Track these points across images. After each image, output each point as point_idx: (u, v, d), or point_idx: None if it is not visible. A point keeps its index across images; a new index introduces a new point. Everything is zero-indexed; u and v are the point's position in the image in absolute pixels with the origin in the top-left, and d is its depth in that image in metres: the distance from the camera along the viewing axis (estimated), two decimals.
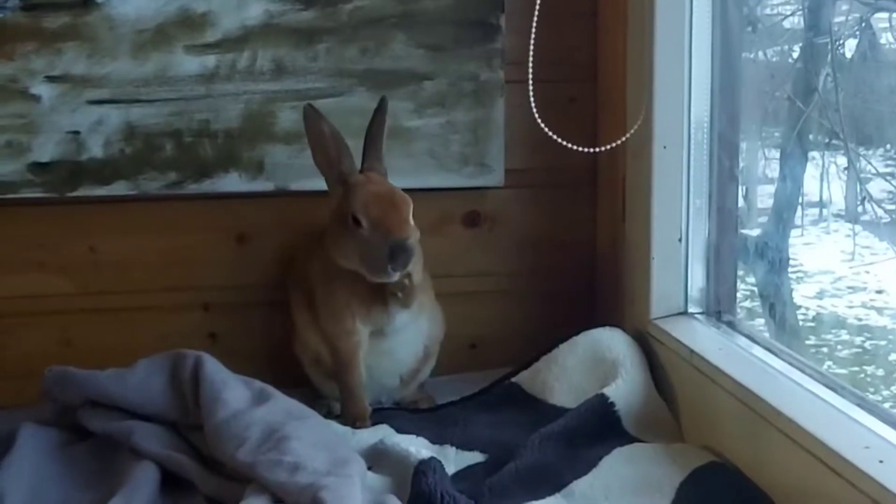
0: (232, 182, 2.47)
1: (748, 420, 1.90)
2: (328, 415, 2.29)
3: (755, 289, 2.45)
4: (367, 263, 2.14)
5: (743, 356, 2.08)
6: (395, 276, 2.14)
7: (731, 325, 2.24)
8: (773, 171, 2.45)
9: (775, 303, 2.29)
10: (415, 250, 2.13)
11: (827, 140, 2.45)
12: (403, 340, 2.33)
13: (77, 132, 2.41)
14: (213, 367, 2.09)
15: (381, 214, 2.12)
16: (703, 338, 2.19)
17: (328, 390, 2.38)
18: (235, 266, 2.53)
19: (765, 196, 2.40)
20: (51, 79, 2.39)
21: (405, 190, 2.22)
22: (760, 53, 2.48)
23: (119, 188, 2.44)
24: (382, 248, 2.10)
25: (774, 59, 2.41)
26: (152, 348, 2.20)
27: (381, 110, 2.26)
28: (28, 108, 2.38)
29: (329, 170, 2.22)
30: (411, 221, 2.13)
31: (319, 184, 2.27)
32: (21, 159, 2.40)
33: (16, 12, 2.36)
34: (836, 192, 2.59)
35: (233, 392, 2.05)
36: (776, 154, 2.43)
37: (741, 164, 2.31)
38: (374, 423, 2.23)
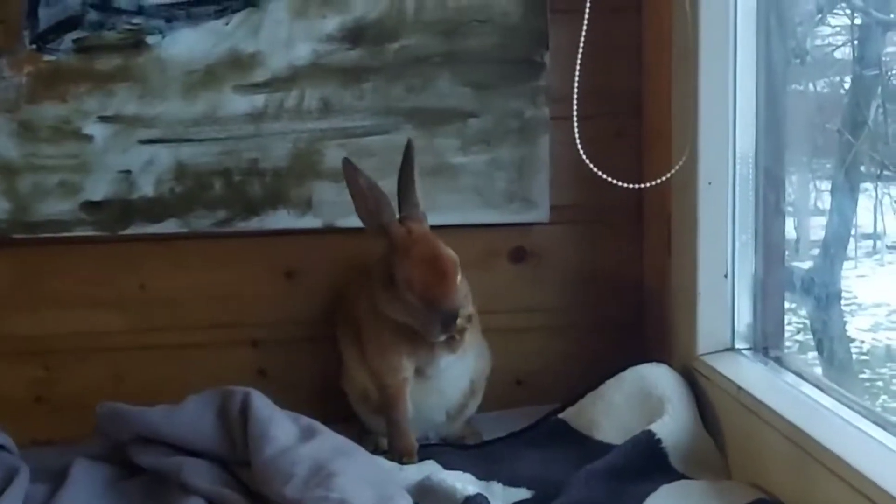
0: (280, 219, 2.49)
1: (796, 457, 1.87)
2: (375, 450, 2.29)
3: (807, 322, 2.42)
4: (419, 327, 2.16)
5: (790, 393, 2.06)
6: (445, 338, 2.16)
7: (778, 360, 2.22)
8: (825, 203, 2.42)
9: (823, 338, 2.26)
10: (464, 310, 2.13)
11: (879, 172, 2.42)
12: (450, 377, 2.32)
13: (128, 171, 2.44)
14: (261, 404, 2.09)
15: (428, 287, 2.12)
16: (749, 374, 2.17)
17: (375, 426, 2.38)
18: (284, 302, 2.54)
19: (817, 228, 2.37)
20: (103, 119, 2.42)
21: (448, 227, 2.23)
22: (810, 85, 2.46)
23: (169, 226, 2.46)
24: (432, 317, 2.12)
25: (825, 91, 2.39)
26: (202, 385, 2.20)
27: (408, 155, 2.26)
28: (81, 148, 2.41)
29: (370, 221, 2.22)
30: (458, 283, 2.12)
31: None
32: (74, 198, 2.43)
33: (69, 54, 2.40)
34: (891, 224, 2.56)
35: (280, 428, 2.05)
36: (827, 186, 2.40)
37: (790, 197, 2.30)
38: (421, 459, 2.23)
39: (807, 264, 2.29)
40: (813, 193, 2.46)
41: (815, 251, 2.35)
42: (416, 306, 2.14)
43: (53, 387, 2.50)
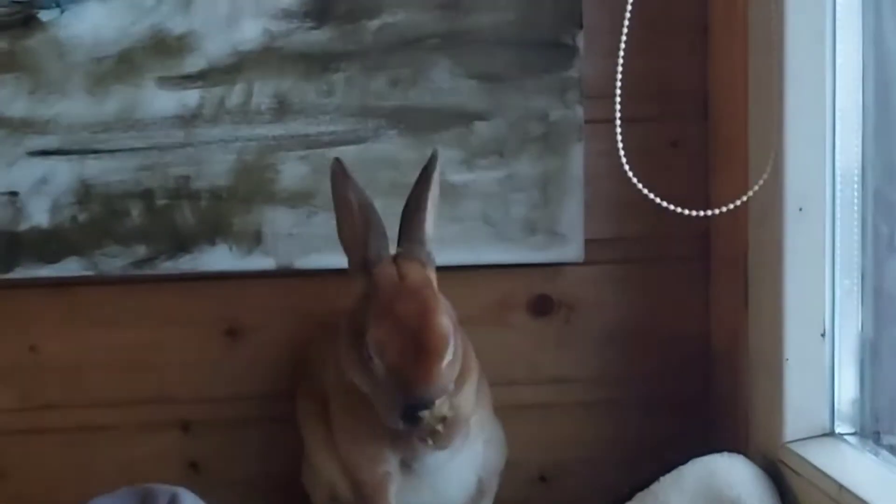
0: (220, 258, 2.50)
1: None
2: None
3: None
4: (378, 406, 2.12)
5: None
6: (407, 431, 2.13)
7: (894, 450, 2.21)
8: None
9: None
10: (443, 395, 2.07)
11: None
12: (449, 472, 2.31)
13: (14, 193, 2.45)
14: None
15: (400, 363, 2.06)
16: (856, 468, 2.17)
17: None
18: (224, 371, 2.55)
19: None
20: None
21: (448, 269, 2.21)
22: None
23: (70, 267, 2.46)
24: (396, 402, 2.07)
25: None
26: (114, 481, 2.22)
27: (427, 171, 2.21)
28: None
29: (353, 250, 2.20)
30: (445, 363, 2.07)
31: (336, 259, 2.25)
32: None
33: None
34: None
35: None
36: None
37: None
38: None
39: None
40: None
41: None
42: (380, 377, 2.10)
43: None
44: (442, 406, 2.08)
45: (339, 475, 2.33)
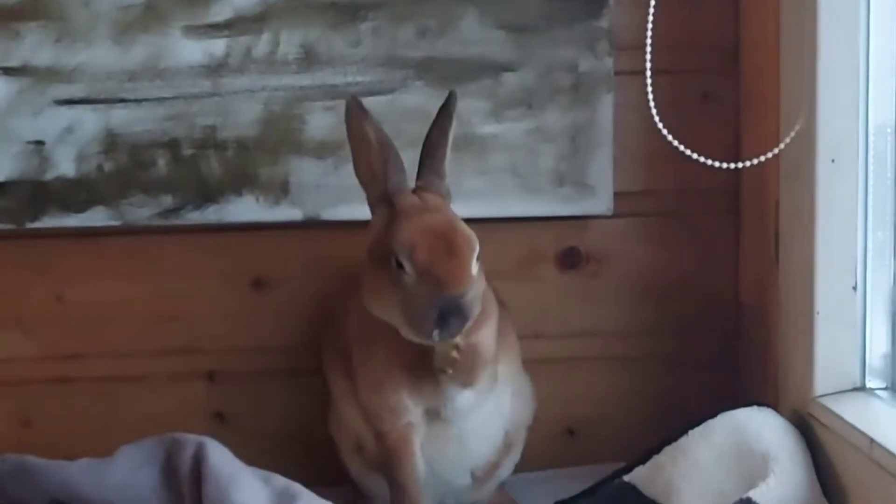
0: (246, 209, 2.51)
1: None
2: None
3: None
4: (409, 320, 2.10)
5: None
6: (440, 341, 2.11)
7: None
8: None
9: None
10: (472, 311, 2.08)
11: None
12: (476, 424, 2.30)
13: (41, 142, 2.46)
14: (221, 458, 2.09)
15: (431, 260, 2.07)
16: (888, 422, 2.14)
17: (374, 488, 2.38)
18: (250, 322, 2.56)
19: None
20: (6, 71, 2.44)
21: (476, 221, 2.19)
22: None
23: (96, 217, 2.48)
24: (429, 305, 2.06)
25: None
26: (140, 431, 2.21)
27: (447, 109, 2.23)
28: None
29: (371, 185, 2.21)
30: (473, 271, 2.09)
31: (363, 211, 2.25)
32: None
33: None
34: None
35: (248, 492, 2.04)
36: None
37: None
38: None
39: None
40: None
41: None
42: (410, 289, 2.08)
43: None
44: (466, 332, 2.09)
45: (364, 426, 2.33)
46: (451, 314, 2.05)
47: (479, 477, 2.38)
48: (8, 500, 2.17)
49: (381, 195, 2.18)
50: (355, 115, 2.19)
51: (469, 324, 2.07)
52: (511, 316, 2.36)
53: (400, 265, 2.08)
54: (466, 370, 2.17)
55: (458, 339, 2.10)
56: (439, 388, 2.21)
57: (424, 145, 2.22)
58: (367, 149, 2.19)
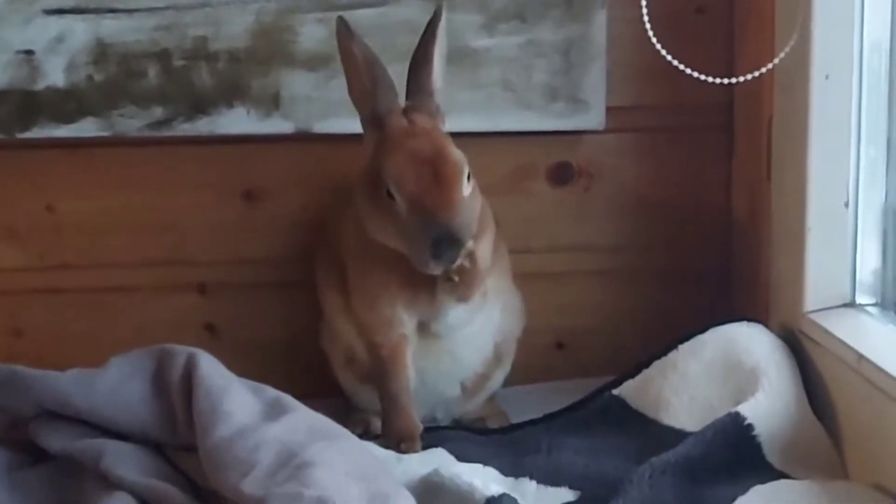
0: (237, 121, 2.49)
1: None
2: (364, 434, 2.32)
3: None
4: (407, 250, 2.14)
5: None
6: (440, 270, 2.13)
7: None
8: None
9: None
10: (466, 233, 2.10)
11: None
12: (466, 336, 2.33)
13: (30, 52, 2.44)
14: (211, 369, 2.09)
15: (419, 190, 2.10)
16: (876, 338, 2.16)
17: (365, 400, 2.40)
18: (241, 234, 2.56)
19: None
20: None
21: (467, 135, 2.22)
22: None
23: (86, 128, 2.46)
24: (423, 235, 2.08)
25: None
26: (131, 342, 2.22)
27: (431, 26, 2.23)
28: None
29: (363, 105, 2.22)
30: (464, 193, 2.10)
31: (354, 124, 2.27)
32: None
33: None
34: None
35: (237, 402, 2.05)
36: None
37: None
38: (427, 447, 2.24)
39: None
40: None
41: None
42: (402, 216, 2.11)
43: None
44: (467, 244, 2.10)
45: (356, 339, 2.35)
46: (444, 243, 2.07)
47: (469, 388, 2.39)
48: None
49: (372, 115, 2.20)
50: (343, 35, 2.21)
51: (465, 249, 2.09)
52: (502, 230, 2.36)
53: (391, 195, 2.10)
54: (463, 286, 2.19)
55: (463, 258, 2.11)
56: (434, 302, 2.23)
57: (411, 63, 2.22)
58: (355, 69, 2.20)
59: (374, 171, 2.16)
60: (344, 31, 2.20)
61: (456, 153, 2.13)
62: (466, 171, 2.11)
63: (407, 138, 2.14)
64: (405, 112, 2.19)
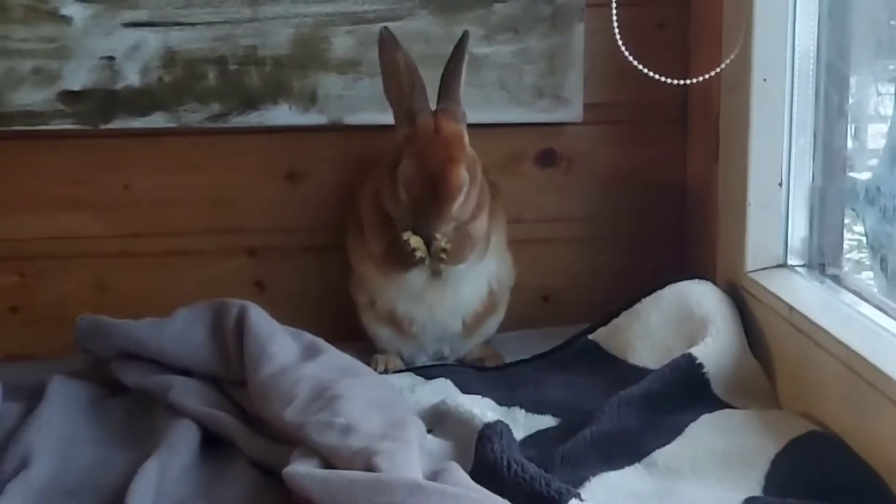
0: (281, 114, 2.48)
1: (853, 386, 1.86)
2: (385, 371, 2.31)
3: (864, 238, 2.39)
4: (399, 224, 2.20)
5: (849, 314, 2.05)
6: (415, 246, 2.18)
7: (836, 279, 2.20)
8: (887, 108, 2.39)
9: (887, 254, 2.25)
10: (447, 231, 2.16)
11: None
12: (467, 278, 2.32)
13: (112, 58, 2.42)
14: (259, 318, 2.09)
15: (418, 199, 2.15)
16: (804, 293, 2.16)
17: (385, 341, 2.38)
18: (285, 207, 2.54)
19: (876, 136, 2.36)
20: None
21: (470, 126, 2.22)
22: None
23: (157, 120, 2.45)
24: (412, 224, 2.16)
25: None
26: (193, 296, 2.23)
27: (460, 46, 2.25)
28: (58, 31, 2.39)
29: (399, 104, 2.24)
30: (455, 209, 2.15)
31: (377, 117, 2.29)
32: (51, 87, 2.41)
33: None
34: None
35: (280, 345, 2.05)
36: (890, 89, 2.37)
37: (851, 100, 2.26)
38: (436, 377, 2.23)
39: (863, 175, 2.26)
40: (874, 98, 2.41)
41: (873, 161, 2.32)
42: (403, 206, 2.17)
43: (29, 296, 2.51)
44: (441, 240, 2.16)
45: (377, 282, 2.34)
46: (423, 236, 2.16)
47: (469, 326, 2.38)
48: (86, 351, 2.19)
49: (406, 112, 2.22)
50: (388, 44, 2.23)
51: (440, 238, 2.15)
52: (502, 199, 2.39)
53: (398, 187, 2.15)
54: (458, 252, 2.21)
55: (444, 245, 2.16)
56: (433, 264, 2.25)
57: (443, 76, 2.24)
58: (396, 73, 2.22)
59: (397, 159, 2.18)
60: (389, 40, 2.23)
61: (459, 173, 2.15)
62: (463, 192, 2.15)
63: (428, 144, 2.17)
64: (435, 114, 2.20)
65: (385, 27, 2.23)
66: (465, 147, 2.20)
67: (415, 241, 2.17)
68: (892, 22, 2.28)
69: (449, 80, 2.23)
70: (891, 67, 2.36)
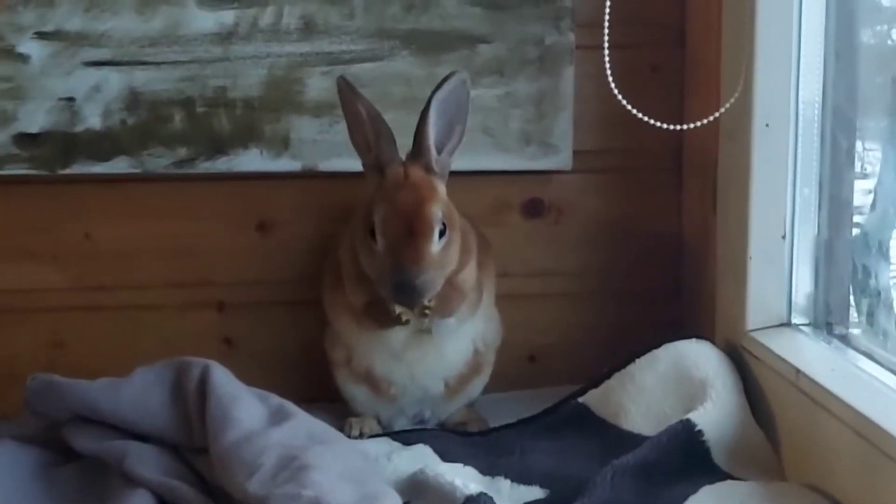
0: (252, 160, 2.44)
1: (866, 455, 1.80)
2: (360, 436, 2.25)
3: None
4: (377, 283, 2.14)
5: (859, 378, 1.99)
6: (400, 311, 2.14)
7: (844, 339, 2.16)
8: (869, 164, 2.39)
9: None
10: (428, 289, 2.09)
11: None
12: (452, 336, 2.26)
13: (71, 99, 2.39)
14: (223, 379, 2.04)
15: (393, 240, 2.10)
16: (810, 354, 2.11)
17: (361, 402, 2.31)
18: (255, 259, 2.51)
19: (859, 193, 2.33)
20: (41, 35, 2.36)
21: (453, 174, 2.20)
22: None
23: (119, 165, 2.42)
24: (390, 277, 2.09)
25: (872, 42, 2.34)
26: (157, 354, 2.17)
27: (432, 93, 2.16)
28: (15, 69, 2.36)
29: (365, 154, 2.21)
30: (433, 249, 2.10)
31: (353, 163, 2.26)
32: (6, 130, 2.37)
33: None
34: None
35: (245, 409, 2.00)
36: (872, 146, 2.36)
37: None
38: (415, 443, 2.17)
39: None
40: (857, 155, 2.43)
41: (856, 217, 2.32)
42: (380, 255, 2.11)
43: None
44: (431, 290, 2.10)
45: (354, 337, 2.28)
46: (405, 290, 2.11)
47: (451, 388, 2.33)
48: (37, 413, 2.12)
49: (374, 163, 2.19)
50: (346, 93, 2.20)
51: (425, 299, 2.10)
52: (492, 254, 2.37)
53: (373, 235, 2.10)
54: (446, 305, 2.18)
55: (429, 303, 2.13)
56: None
57: (420, 121, 2.17)
58: (359, 123, 2.20)
59: (368, 209, 2.14)
60: (347, 90, 2.19)
61: (432, 211, 2.11)
62: (438, 228, 2.11)
63: (398, 190, 2.13)
64: (404, 164, 2.16)
65: (342, 76, 2.20)
66: (435, 190, 2.15)
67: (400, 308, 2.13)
68: (876, 80, 2.30)
69: (419, 126, 2.16)
70: (870, 125, 2.34)
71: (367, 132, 2.17)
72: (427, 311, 2.14)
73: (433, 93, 2.15)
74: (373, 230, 2.10)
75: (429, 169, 2.17)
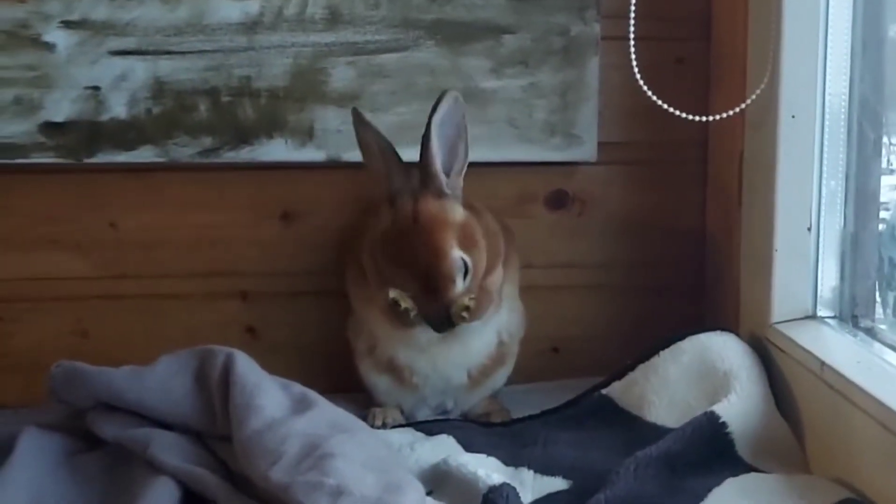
0: (276, 150, 2.43)
1: (891, 448, 1.78)
2: (383, 426, 2.24)
3: None
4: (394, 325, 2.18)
5: (885, 370, 1.97)
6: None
7: (870, 332, 2.14)
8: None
9: None
10: (460, 316, 2.11)
11: None
12: (475, 328, 2.24)
13: (97, 88, 2.37)
14: (247, 368, 2.02)
15: (416, 298, 2.10)
16: (835, 347, 2.09)
17: (383, 392, 2.30)
18: (279, 249, 2.49)
19: (886, 188, 2.32)
20: (67, 24, 2.35)
21: (476, 165, 2.18)
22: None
23: (144, 154, 2.40)
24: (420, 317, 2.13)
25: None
26: (181, 343, 2.16)
27: (431, 113, 2.13)
28: (40, 58, 2.35)
29: (378, 182, 2.19)
30: (456, 291, 2.11)
31: None
32: (32, 118, 2.36)
33: None
34: None
35: (268, 397, 1.98)
36: None
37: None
38: (438, 433, 2.16)
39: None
40: (884, 149, 2.41)
41: (882, 213, 2.31)
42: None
43: (5, 341, 2.46)
44: (463, 298, 2.11)
45: (377, 325, 2.26)
46: (439, 325, 2.13)
47: (475, 379, 2.31)
48: (61, 401, 2.10)
49: (386, 196, 2.17)
50: (358, 125, 2.20)
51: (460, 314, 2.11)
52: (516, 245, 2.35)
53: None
54: (476, 311, 2.16)
55: (467, 302, 2.11)
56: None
57: (421, 151, 2.14)
58: (371, 154, 2.18)
59: (385, 244, 2.15)
60: (359, 122, 2.18)
61: (448, 264, 2.10)
62: (459, 276, 2.11)
63: (407, 237, 2.11)
64: (415, 197, 2.13)
65: (354, 108, 2.19)
66: (449, 223, 2.12)
67: (404, 302, 2.11)
68: None
69: (422, 150, 2.13)
70: None
71: (378, 165, 2.16)
72: (465, 315, 2.12)
73: (430, 117, 2.11)
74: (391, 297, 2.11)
75: (440, 194, 2.14)
